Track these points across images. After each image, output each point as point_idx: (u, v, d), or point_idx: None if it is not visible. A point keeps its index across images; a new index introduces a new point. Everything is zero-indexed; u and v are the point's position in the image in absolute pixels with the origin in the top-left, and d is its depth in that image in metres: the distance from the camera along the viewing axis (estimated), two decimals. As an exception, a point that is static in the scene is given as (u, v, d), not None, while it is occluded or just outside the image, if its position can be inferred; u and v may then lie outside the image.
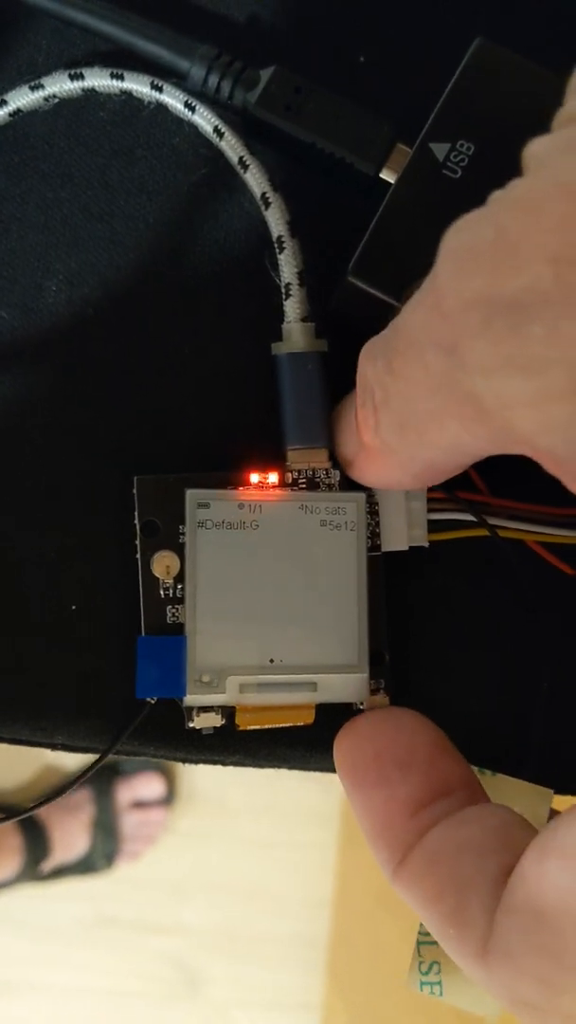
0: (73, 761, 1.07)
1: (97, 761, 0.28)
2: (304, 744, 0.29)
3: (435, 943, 0.27)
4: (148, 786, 1.08)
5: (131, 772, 1.08)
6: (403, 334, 0.23)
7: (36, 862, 1.04)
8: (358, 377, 0.25)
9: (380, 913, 0.94)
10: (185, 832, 1.10)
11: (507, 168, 0.27)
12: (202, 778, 1.09)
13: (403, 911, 0.87)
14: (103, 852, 1.08)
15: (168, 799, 1.09)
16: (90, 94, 0.30)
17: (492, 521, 0.30)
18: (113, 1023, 1.10)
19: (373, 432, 0.25)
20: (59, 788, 0.28)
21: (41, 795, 1.07)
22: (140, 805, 1.08)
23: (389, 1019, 0.92)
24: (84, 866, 1.08)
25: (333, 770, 0.29)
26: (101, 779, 1.08)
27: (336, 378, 0.29)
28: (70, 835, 1.06)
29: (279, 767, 0.30)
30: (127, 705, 0.28)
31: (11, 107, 0.29)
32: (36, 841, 1.04)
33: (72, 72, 0.29)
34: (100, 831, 1.07)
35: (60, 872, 1.07)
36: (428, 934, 0.27)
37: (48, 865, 1.05)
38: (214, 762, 0.29)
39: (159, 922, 1.10)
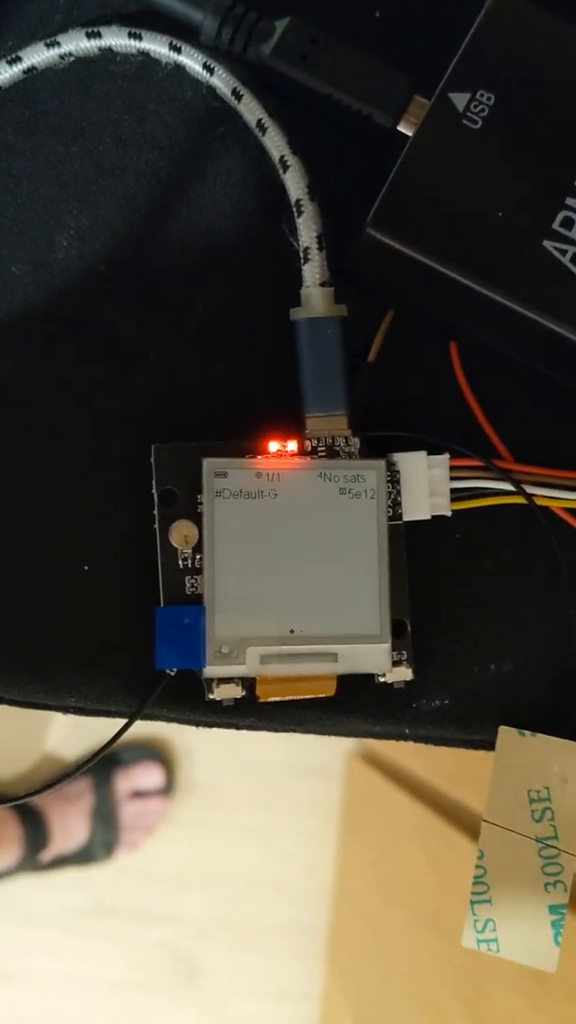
0: (72, 751, 1.07)
1: (122, 729, 0.27)
2: (320, 707, 0.29)
3: (488, 901, 0.27)
4: (147, 776, 1.08)
5: (130, 762, 1.08)
6: None
7: (35, 852, 1.03)
8: None
9: (380, 903, 0.94)
10: (184, 822, 1.10)
11: (527, 117, 0.27)
12: (201, 768, 1.09)
13: (403, 901, 0.87)
14: (102, 842, 1.07)
15: (167, 789, 1.08)
16: (104, 50, 0.29)
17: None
18: (111, 1012, 1.09)
19: None
20: (92, 756, 0.27)
21: (40, 784, 1.07)
22: (139, 795, 1.08)
23: (389, 1008, 0.91)
24: (83, 856, 1.07)
25: (350, 734, 0.28)
26: (100, 769, 1.07)
27: (356, 344, 0.28)
28: (69, 825, 1.05)
29: (294, 731, 0.29)
30: (140, 668, 0.28)
31: (26, 64, 0.28)
32: (35, 831, 1.03)
33: (89, 31, 0.28)
34: (99, 821, 1.06)
35: (59, 862, 1.06)
36: (481, 893, 0.27)
37: (47, 855, 1.04)
38: (229, 726, 0.29)
39: (158, 912, 1.09)
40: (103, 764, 1.07)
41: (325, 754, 1.06)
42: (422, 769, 0.86)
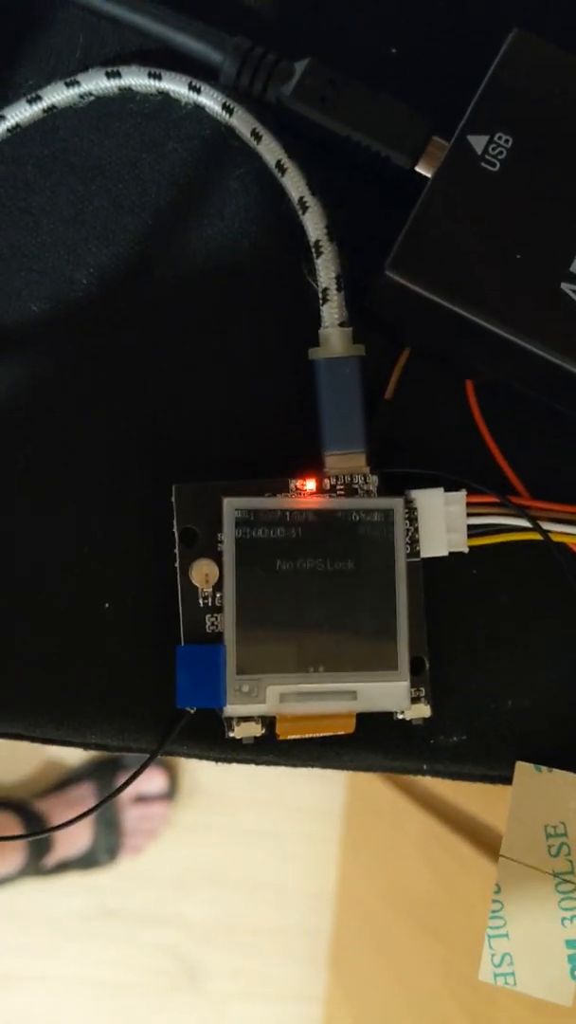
0: (74, 757, 1.07)
1: (143, 766, 0.27)
2: (338, 744, 0.29)
3: (506, 935, 0.28)
4: (150, 781, 1.08)
5: (133, 767, 1.08)
6: None
7: (39, 857, 1.03)
8: None
9: (383, 906, 0.94)
10: (187, 826, 1.10)
11: (545, 160, 0.27)
12: (203, 772, 1.09)
13: (406, 907, 0.87)
14: (105, 846, 1.07)
15: (170, 793, 1.09)
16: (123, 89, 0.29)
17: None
18: (114, 1015, 1.10)
19: None
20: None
21: (43, 789, 1.07)
22: (142, 799, 1.08)
23: (391, 1014, 0.92)
24: (86, 861, 1.07)
25: (368, 769, 0.28)
26: (103, 774, 1.07)
27: (371, 381, 0.29)
28: (72, 830, 1.05)
29: (313, 766, 0.29)
30: (160, 706, 0.28)
31: (46, 103, 0.28)
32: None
33: (109, 70, 0.28)
34: (102, 826, 1.06)
35: (63, 867, 1.06)
36: (498, 927, 0.27)
37: (51, 860, 1.04)
38: (248, 762, 0.29)
39: (160, 915, 1.09)
40: (106, 769, 1.07)
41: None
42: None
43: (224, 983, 1.10)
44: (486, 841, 0.76)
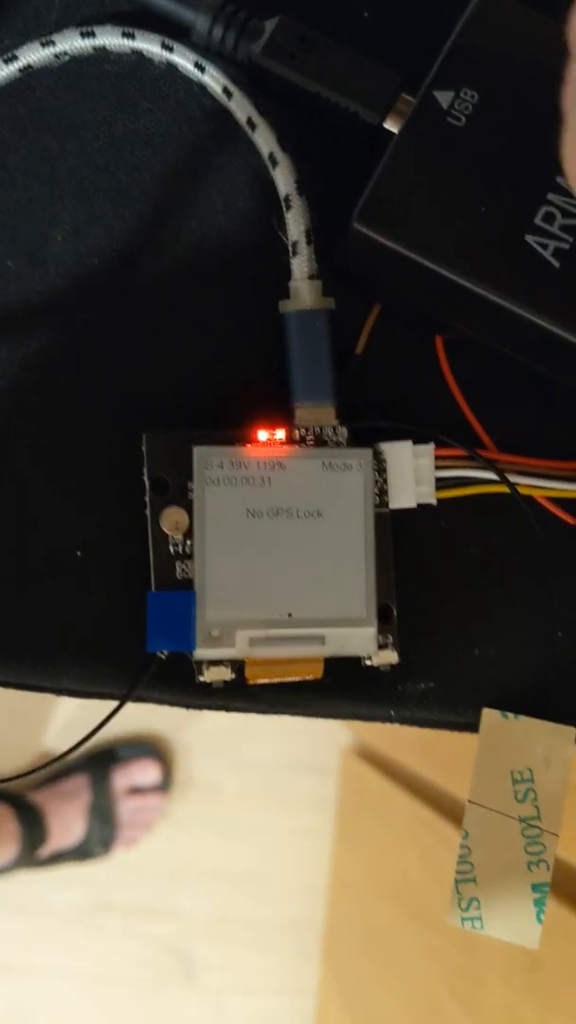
0: (70, 745, 1.07)
1: (112, 712, 0.27)
2: (307, 690, 0.29)
3: (473, 880, 0.28)
4: (144, 772, 1.08)
5: (128, 759, 1.08)
6: None
7: (33, 848, 1.03)
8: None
9: (375, 898, 0.94)
10: (181, 818, 1.10)
11: (510, 115, 0.27)
12: (198, 765, 1.09)
13: (397, 896, 0.87)
14: (100, 838, 1.07)
15: (164, 785, 1.09)
16: (98, 49, 0.29)
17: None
18: (108, 1008, 1.10)
19: None
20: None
21: (37, 781, 1.07)
22: (137, 791, 1.08)
23: (384, 1003, 0.92)
24: (81, 852, 1.07)
25: (339, 716, 0.29)
26: (98, 765, 1.07)
27: (342, 337, 0.29)
28: (67, 821, 1.05)
29: (283, 713, 0.30)
30: (133, 651, 0.28)
31: (22, 63, 0.29)
32: (33, 827, 1.03)
33: (84, 30, 0.29)
34: (97, 817, 1.07)
35: (57, 858, 1.06)
36: (465, 872, 0.28)
37: (45, 851, 1.04)
38: (218, 708, 0.29)
39: (155, 908, 1.10)
40: (100, 761, 1.07)
41: (321, 751, 1.07)
42: (417, 765, 0.87)
43: (218, 976, 1.10)
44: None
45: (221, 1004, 1.10)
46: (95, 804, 1.07)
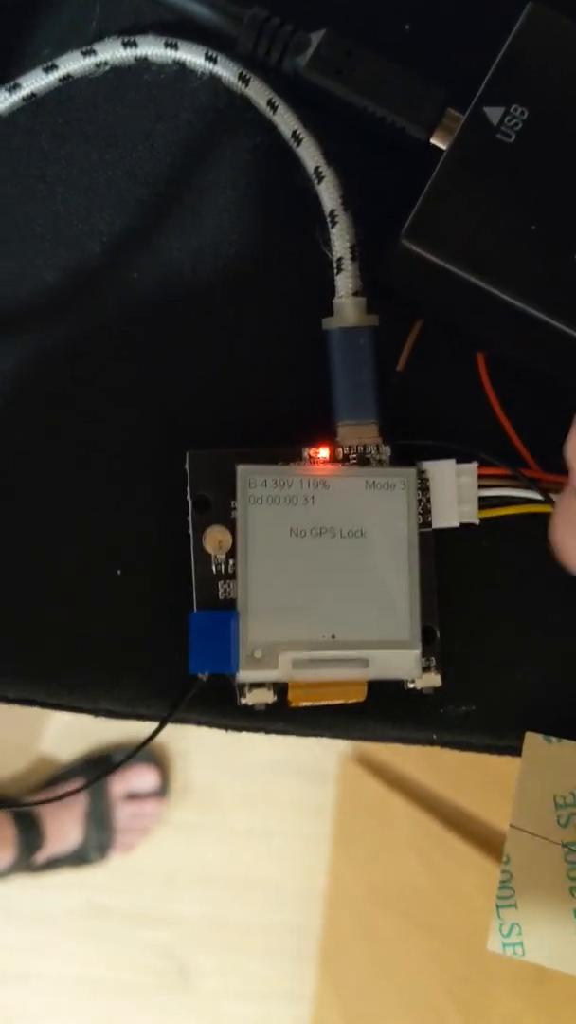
0: (67, 753, 1.07)
1: (152, 735, 0.27)
2: (348, 713, 0.29)
3: (514, 905, 0.28)
4: (142, 778, 1.08)
5: (125, 764, 1.08)
6: None
7: (29, 853, 1.02)
8: (571, 463, 0.23)
9: (374, 905, 0.94)
10: (178, 824, 1.10)
11: (562, 132, 0.27)
12: (196, 770, 1.09)
13: (397, 903, 0.87)
14: (96, 844, 1.07)
15: (162, 791, 1.08)
16: (139, 59, 0.29)
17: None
18: (104, 1013, 1.09)
19: None
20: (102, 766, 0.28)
21: (34, 786, 1.07)
22: (134, 797, 1.08)
23: (382, 1010, 0.92)
24: (77, 858, 1.07)
25: (380, 739, 0.29)
26: (94, 771, 1.07)
27: (383, 354, 0.29)
28: (63, 827, 1.05)
29: (323, 736, 0.29)
30: (172, 673, 0.28)
31: (61, 72, 0.28)
32: (29, 832, 1.02)
33: (126, 40, 0.28)
34: (93, 823, 1.06)
35: (53, 863, 1.06)
36: (507, 897, 0.27)
37: (41, 856, 1.04)
38: (258, 730, 0.29)
39: (151, 913, 1.09)
40: (96, 767, 1.06)
41: (319, 756, 1.06)
42: (418, 772, 0.87)
43: (214, 981, 1.09)
44: (478, 835, 0.76)
45: (218, 1010, 1.10)
46: (92, 809, 1.06)
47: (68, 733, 1.07)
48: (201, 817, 1.10)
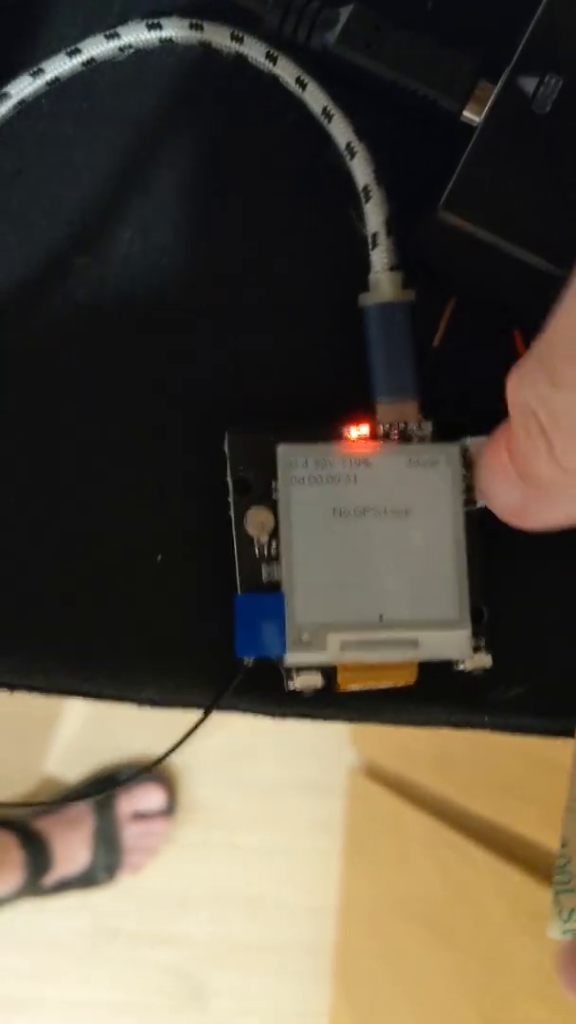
0: (73, 773, 1.06)
1: (198, 722, 0.26)
2: (397, 697, 0.28)
3: (571, 890, 0.27)
4: (148, 797, 1.07)
5: (131, 783, 1.07)
6: (565, 339, 0.21)
7: (38, 876, 1.01)
8: (511, 407, 0.23)
9: (388, 915, 0.93)
10: (186, 842, 1.09)
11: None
12: (202, 787, 1.08)
13: (413, 914, 0.86)
14: (105, 865, 1.06)
15: (169, 810, 1.08)
16: (164, 41, 0.29)
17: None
18: (117, 1039, 1.08)
19: (546, 461, 0.22)
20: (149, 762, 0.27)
21: (41, 807, 1.05)
22: (141, 817, 1.07)
23: (402, 1021, 0.90)
24: (86, 879, 1.06)
25: (432, 724, 0.28)
26: (101, 791, 1.06)
27: (417, 331, 0.28)
28: (71, 848, 1.04)
29: (372, 721, 0.29)
30: (217, 659, 0.27)
31: (85, 56, 0.28)
32: (38, 855, 1.01)
33: (150, 22, 0.28)
34: (101, 844, 1.05)
35: (62, 886, 1.05)
36: (565, 882, 0.27)
37: (50, 879, 1.03)
38: (305, 716, 0.28)
39: (162, 934, 1.08)
40: (102, 786, 1.06)
41: (327, 770, 1.06)
42: (430, 780, 0.86)
43: (228, 1001, 1.08)
44: (494, 841, 0.75)
45: (232, 1030, 1.09)
46: (99, 830, 1.06)
47: (74, 753, 1.06)
48: (208, 835, 1.09)
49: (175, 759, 1.06)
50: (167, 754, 0.27)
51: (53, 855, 1.02)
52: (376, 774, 0.97)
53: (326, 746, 1.05)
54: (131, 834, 1.06)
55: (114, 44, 0.28)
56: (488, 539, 0.28)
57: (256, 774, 1.05)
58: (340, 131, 0.28)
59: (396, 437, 0.28)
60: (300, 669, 0.26)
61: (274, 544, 0.27)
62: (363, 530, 0.27)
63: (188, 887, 1.09)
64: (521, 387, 0.22)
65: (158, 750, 0.27)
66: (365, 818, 1.00)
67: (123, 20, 0.29)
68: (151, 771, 0.26)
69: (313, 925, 1.07)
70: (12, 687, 0.28)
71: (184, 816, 1.09)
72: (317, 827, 1.07)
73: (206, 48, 0.29)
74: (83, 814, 1.05)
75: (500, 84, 0.27)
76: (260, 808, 1.08)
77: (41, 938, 1.07)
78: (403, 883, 0.90)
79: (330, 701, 0.28)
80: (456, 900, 0.81)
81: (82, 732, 1.05)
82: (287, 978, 1.08)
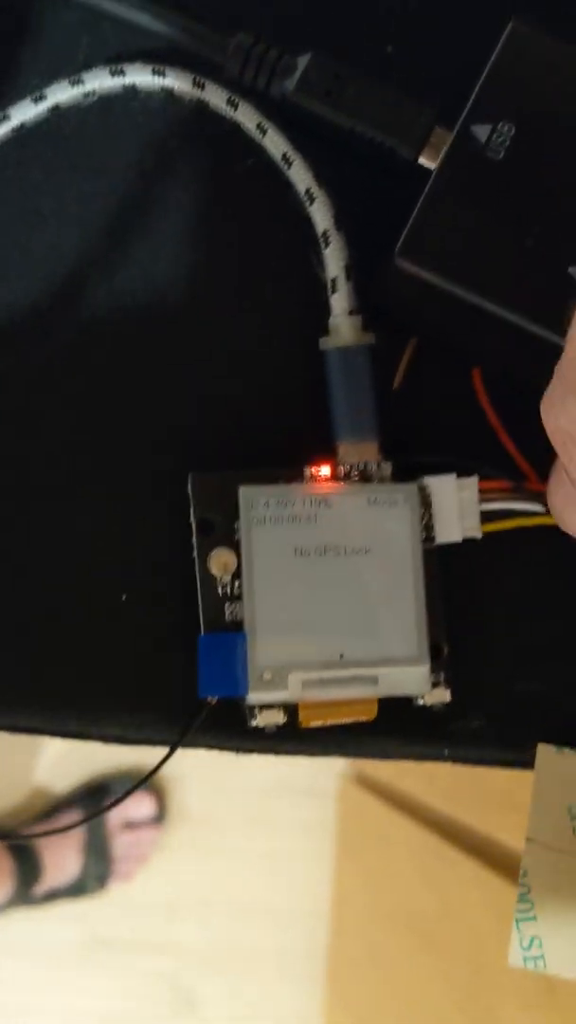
0: (63, 783, 1.06)
1: (162, 761, 0.27)
2: (359, 731, 0.29)
3: (533, 918, 0.28)
4: (138, 806, 1.07)
5: (120, 794, 1.07)
6: None
7: (28, 886, 1.02)
8: (549, 435, 0.24)
9: (378, 924, 0.93)
10: (177, 850, 1.09)
11: (550, 148, 0.27)
12: (192, 795, 1.08)
13: (402, 921, 0.87)
14: (95, 874, 1.06)
15: (159, 818, 1.08)
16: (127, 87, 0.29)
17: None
18: (110, 1046, 1.08)
19: None
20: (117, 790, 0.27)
21: (31, 818, 1.06)
22: (131, 825, 1.07)
23: (392, 1027, 0.91)
24: (76, 889, 1.06)
25: (391, 757, 0.28)
26: (91, 801, 1.06)
27: (378, 372, 0.29)
28: (62, 858, 1.04)
29: (334, 755, 0.29)
30: (179, 697, 0.28)
31: (50, 102, 0.29)
32: (27, 865, 1.02)
33: (113, 68, 0.29)
34: (92, 853, 1.05)
35: (52, 896, 1.05)
36: (526, 910, 0.27)
37: (40, 889, 1.03)
38: (268, 751, 0.29)
39: (154, 942, 1.08)
40: (94, 796, 1.06)
41: (317, 777, 1.06)
42: (416, 789, 0.86)
43: (221, 1008, 1.08)
44: (480, 851, 0.76)
45: (225, 1037, 1.09)
46: (90, 840, 1.06)
47: (64, 762, 1.07)
48: (199, 842, 1.09)
49: (164, 768, 1.06)
50: (134, 788, 0.27)
51: (43, 865, 1.03)
52: (365, 781, 0.98)
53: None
54: (121, 843, 1.06)
55: (79, 90, 0.29)
56: (446, 576, 0.29)
57: (245, 780, 1.06)
58: (300, 177, 0.28)
59: (357, 477, 0.28)
60: (262, 707, 0.27)
61: (237, 584, 0.27)
62: (324, 569, 0.27)
63: (180, 894, 1.09)
64: (551, 413, 0.23)
65: (148, 759, 0.28)
66: (355, 826, 1.00)
67: (88, 66, 0.29)
68: (126, 798, 0.26)
69: (306, 930, 1.07)
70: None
71: (174, 823, 1.09)
72: (308, 833, 1.07)
73: (169, 94, 0.29)
74: (72, 823, 1.06)
75: (455, 132, 0.27)
76: (250, 814, 1.08)
77: (33, 948, 1.07)
78: (391, 891, 0.91)
79: (292, 737, 0.28)
80: (441, 908, 0.81)
81: (72, 741, 1.06)
82: (282, 983, 1.08)
